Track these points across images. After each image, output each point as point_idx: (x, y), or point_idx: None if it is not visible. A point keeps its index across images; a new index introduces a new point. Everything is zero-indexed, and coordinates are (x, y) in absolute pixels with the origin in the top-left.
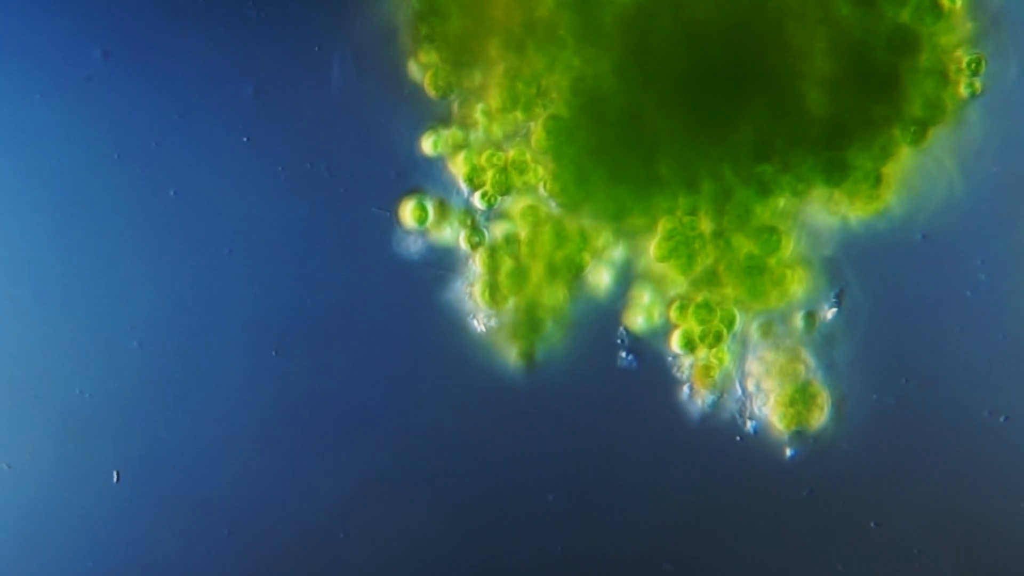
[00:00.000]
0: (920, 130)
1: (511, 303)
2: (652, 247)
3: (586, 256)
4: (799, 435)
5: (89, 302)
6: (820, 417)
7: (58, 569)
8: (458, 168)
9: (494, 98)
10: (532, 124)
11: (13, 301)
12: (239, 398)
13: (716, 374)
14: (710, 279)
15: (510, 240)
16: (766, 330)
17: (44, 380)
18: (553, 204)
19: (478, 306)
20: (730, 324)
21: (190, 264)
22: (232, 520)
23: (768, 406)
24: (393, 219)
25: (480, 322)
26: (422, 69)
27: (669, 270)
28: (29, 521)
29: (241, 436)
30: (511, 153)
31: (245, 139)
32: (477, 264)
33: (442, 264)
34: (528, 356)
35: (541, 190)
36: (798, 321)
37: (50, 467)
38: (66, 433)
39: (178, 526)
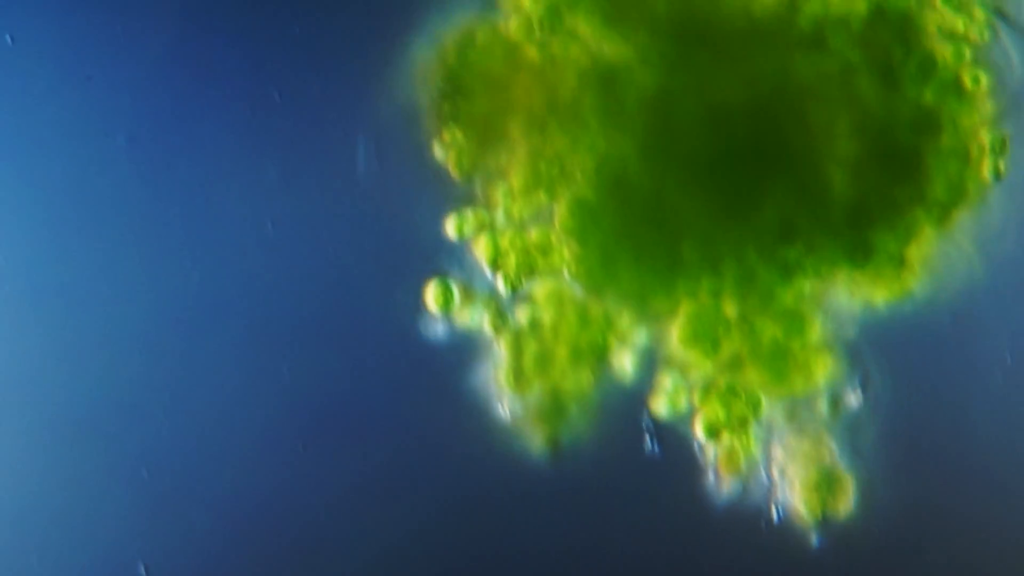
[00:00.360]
0: (943, 212)
1: (536, 387)
2: (676, 330)
3: (610, 339)
4: (825, 522)
5: (109, 408)
6: (846, 503)
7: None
8: (482, 251)
9: (517, 179)
10: (556, 205)
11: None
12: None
13: (741, 460)
14: (734, 363)
15: (534, 323)
16: (791, 415)
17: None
18: (577, 287)
19: (503, 391)
20: (755, 409)
21: (213, 352)
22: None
23: (793, 492)
24: (418, 302)
25: (505, 407)
26: (446, 149)
27: (693, 354)
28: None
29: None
30: (534, 235)
31: (270, 224)
32: (501, 348)
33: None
34: (553, 442)
35: (565, 273)
36: (823, 406)
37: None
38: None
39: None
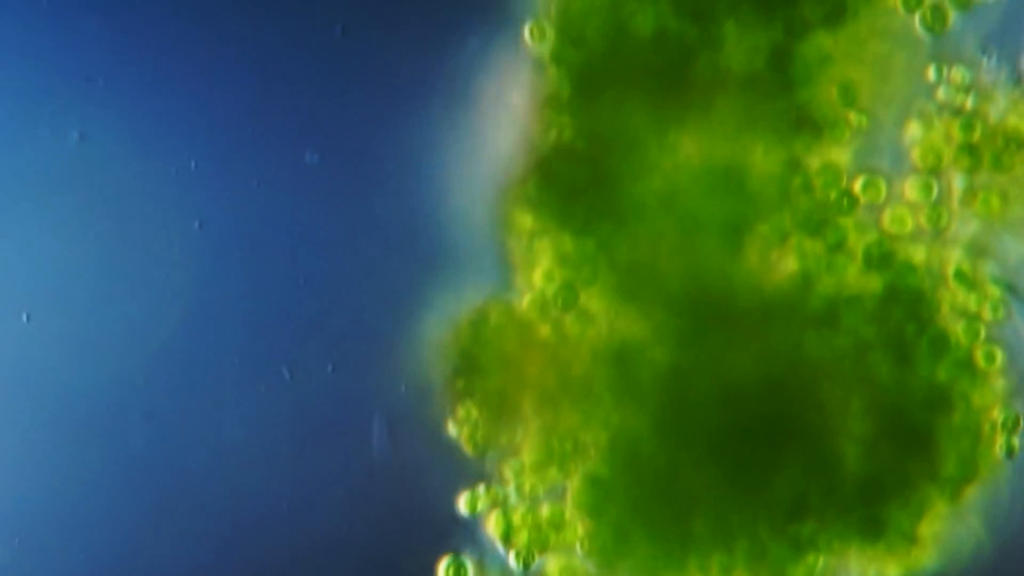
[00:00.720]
0: (955, 489)
1: None
2: None
3: None
4: None
5: None
6: None
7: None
8: (494, 527)
9: (530, 455)
10: (568, 481)
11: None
12: None
13: None
14: None
15: None
16: None
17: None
18: (589, 563)
19: None
20: None
21: None
22: None
23: None
24: None
25: None
26: (460, 426)
27: None
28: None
29: None
30: (547, 511)
31: (285, 504)
32: None
33: None
34: None
35: (577, 548)
36: None
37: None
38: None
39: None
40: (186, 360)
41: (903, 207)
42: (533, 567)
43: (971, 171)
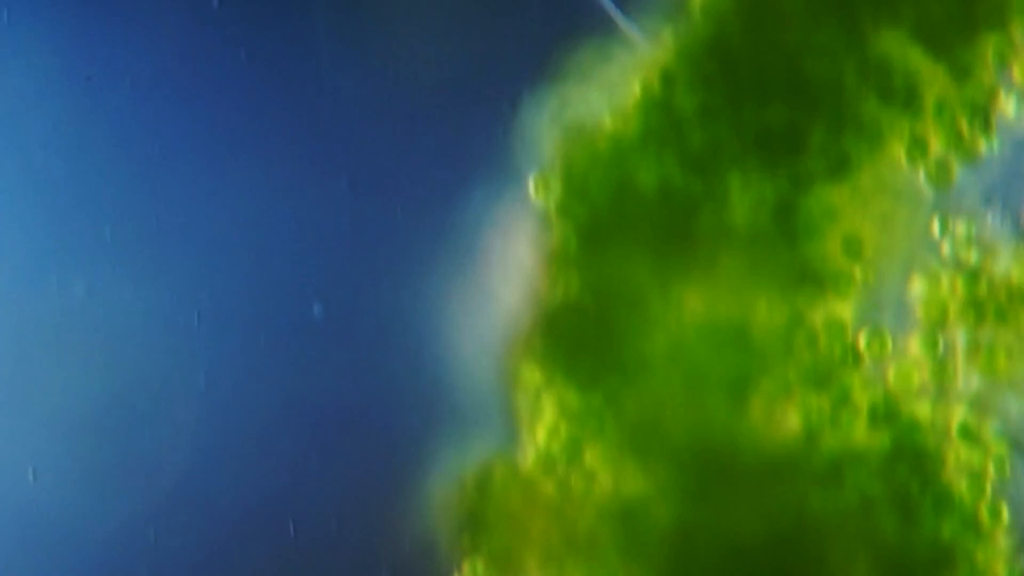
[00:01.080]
0: None
1: None
2: None
3: None
4: None
5: None
6: None
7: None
8: None
9: None
10: None
11: None
12: None
13: None
14: None
15: None
16: None
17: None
18: None
19: None
20: None
21: None
22: None
23: None
24: None
25: None
26: None
27: None
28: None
29: None
30: None
31: None
32: None
33: None
34: None
35: None
36: None
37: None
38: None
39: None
40: (190, 517)
41: (908, 362)
42: None
43: (975, 326)
